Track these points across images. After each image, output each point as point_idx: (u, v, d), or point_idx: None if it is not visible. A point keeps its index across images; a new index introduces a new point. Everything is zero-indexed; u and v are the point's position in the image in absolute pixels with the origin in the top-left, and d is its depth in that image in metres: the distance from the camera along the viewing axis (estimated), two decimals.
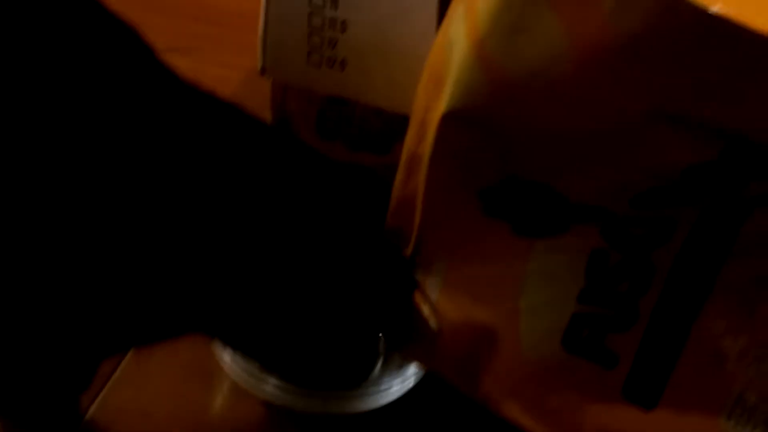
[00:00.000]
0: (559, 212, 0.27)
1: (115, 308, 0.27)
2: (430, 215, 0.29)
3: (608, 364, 0.29)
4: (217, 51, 0.61)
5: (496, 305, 0.30)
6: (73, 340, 0.28)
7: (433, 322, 0.31)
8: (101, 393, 0.39)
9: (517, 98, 0.22)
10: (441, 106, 0.25)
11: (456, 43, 0.24)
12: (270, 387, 0.38)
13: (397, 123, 0.40)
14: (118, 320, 0.28)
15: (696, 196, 0.25)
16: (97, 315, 0.27)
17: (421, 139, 0.28)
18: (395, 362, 0.41)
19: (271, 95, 0.42)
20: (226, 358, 0.38)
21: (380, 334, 0.35)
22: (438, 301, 0.31)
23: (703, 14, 0.17)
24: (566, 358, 0.29)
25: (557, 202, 0.26)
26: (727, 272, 0.27)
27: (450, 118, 0.25)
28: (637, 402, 0.29)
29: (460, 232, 0.29)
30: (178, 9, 0.64)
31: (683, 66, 0.19)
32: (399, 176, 0.30)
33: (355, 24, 0.35)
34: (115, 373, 0.40)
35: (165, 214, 0.25)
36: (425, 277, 0.31)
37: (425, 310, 0.31)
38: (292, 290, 0.29)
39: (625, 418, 0.29)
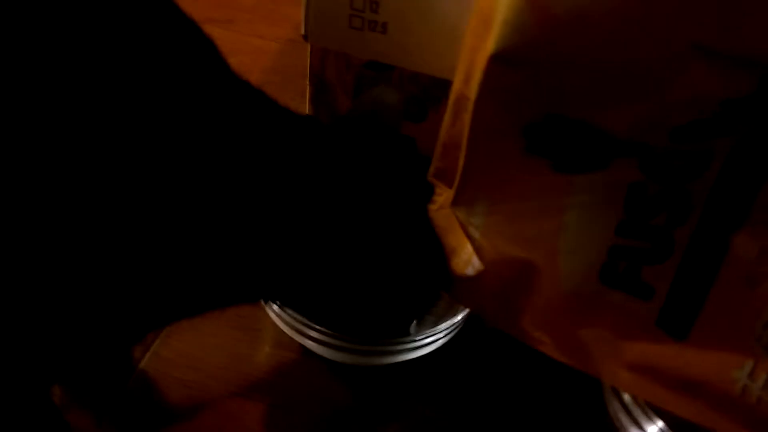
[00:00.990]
0: (600, 148, 0.27)
1: (172, 281, 0.28)
2: (474, 154, 0.29)
3: (644, 295, 0.30)
4: (253, 22, 0.62)
5: (537, 242, 0.31)
6: (131, 311, 0.28)
7: (475, 262, 0.32)
8: (153, 346, 0.42)
9: (564, 35, 0.23)
10: (489, 46, 0.25)
11: None
12: (311, 339, 0.40)
13: (433, 90, 0.41)
14: (174, 292, 0.29)
15: (734, 126, 0.25)
16: (154, 286, 0.28)
17: (468, 80, 0.28)
18: (429, 319, 0.43)
19: (309, 63, 0.43)
20: (274, 307, 0.40)
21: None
22: (480, 241, 0.32)
23: None
24: (603, 291, 0.30)
25: (599, 139, 0.27)
26: (762, 197, 0.27)
27: (498, 58, 0.25)
28: (670, 332, 0.30)
29: (501, 171, 0.30)
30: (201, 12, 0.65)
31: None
32: (446, 119, 0.31)
33: None
34: (166, 328, 0.43)
35: (219, 192, 0.27)
36: (468, 218, 0.32)
37: (468, 249, 0.32)
38: (341, 251, 0.30)
39: (658, 348, 0.30)
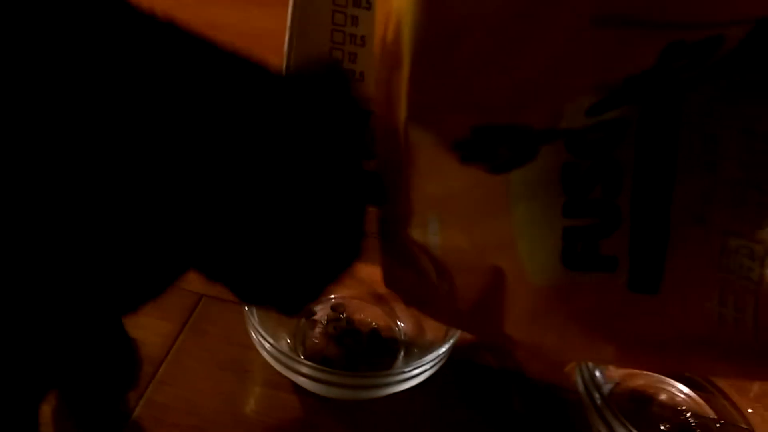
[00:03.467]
0: (527, 142, 0.29)
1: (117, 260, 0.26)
2: (414, 173, 0.30)
3: (610, 268, 0.31)
4: None
5: (494, 244, 0.32)
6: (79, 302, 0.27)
7: (442, 281, 0.32)
8: (146, 392, 0.42)
9: (471, 40, 0.23)
10: (405, 68, 0.26)
11: (406, 14, 0.25)
12: (302, 375, 0.41)
13: None
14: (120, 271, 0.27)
15: (639, 96, 0.27)
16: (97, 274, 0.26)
17: (393, 107, 0.29)
18: (415, 352, 0.44)
19: None
20: (266, 346, 0.41)
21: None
22: (441, 257, 0.32)
23: None
24: (571, 275, 0.31)
25: (523, 135, 0.28)
26: (684, 142, 0.29)
27: (416, 76, 0.26)
28: (643, 291, 0.31)
29: (444, 185, 0.30)
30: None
31: None
32: (379, 143, 0.32)
33: (372, 39, 0.38)
34: (158, 373, 0.43)
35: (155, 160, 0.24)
36: (425, 238, 0.32)
37: (432, 269, 0.33)
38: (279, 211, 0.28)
39: (638, 310, 0.31)
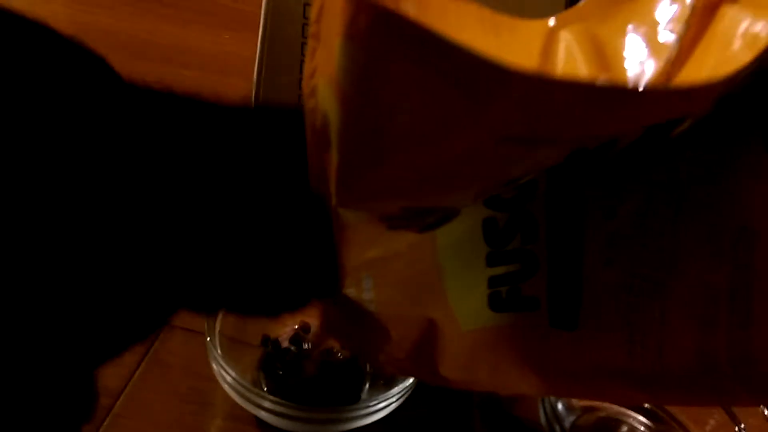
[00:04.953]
0: (450, 211, 0.31)
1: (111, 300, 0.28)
2: (345, 244, 0.32)
3: (532, 307, 0.33)
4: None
5: (426, 296, 0.34)
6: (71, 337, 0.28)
7: (378, 333, 0.34)
8: (103, 425, 0.41)
9: (391, 146, 0.24)
10: (334, 156, 0.27)
11: (330, 111, 0.26)
12: (265, 410, 0.40)
13: None
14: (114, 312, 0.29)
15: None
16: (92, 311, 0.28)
17: (325, 184, 0.30)
18: (381, 385, 0.44)
19: None
20: (228, 379, 0.40)
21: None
22: (377, 311, 0.34)
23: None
24: (498, 318, 0.33)
25: (448, 210, 0.31)
26: (588, 195, 0.31)
27: (342, 172, 0.26)
28: (563, 327, 0.33)
29: (375, 247, 0.33)
30: (164, 55, 0.67)
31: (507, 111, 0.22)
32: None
33: None
34: (116, 406, 0.42)
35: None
36: (360, 296, 0.35)
37: (368, 324, 0.34)
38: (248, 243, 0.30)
39: (561, 344, 0.33)
